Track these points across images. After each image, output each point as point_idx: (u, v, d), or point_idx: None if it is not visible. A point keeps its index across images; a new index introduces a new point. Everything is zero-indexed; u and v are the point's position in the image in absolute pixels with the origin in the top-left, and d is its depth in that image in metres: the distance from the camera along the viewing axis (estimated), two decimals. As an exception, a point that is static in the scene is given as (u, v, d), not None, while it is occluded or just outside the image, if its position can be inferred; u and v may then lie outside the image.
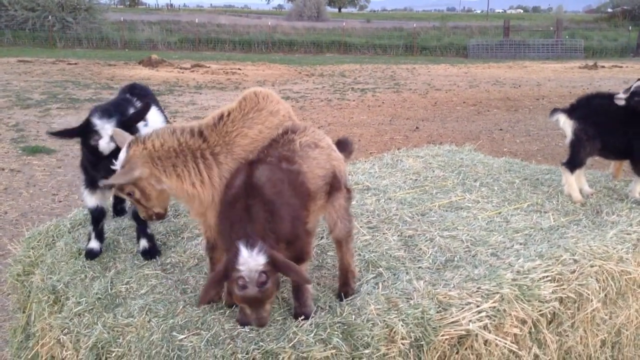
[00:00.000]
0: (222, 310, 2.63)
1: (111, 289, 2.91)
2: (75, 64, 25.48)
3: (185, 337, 2.45)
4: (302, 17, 61.00)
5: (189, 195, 2.57)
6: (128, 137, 2.68)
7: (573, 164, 4.11)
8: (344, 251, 2.78)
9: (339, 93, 18.76)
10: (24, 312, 3.48)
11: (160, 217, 2.75)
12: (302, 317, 2.51)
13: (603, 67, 27.85)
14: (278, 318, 2.57)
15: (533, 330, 2.84)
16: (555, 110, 4.24)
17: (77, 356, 2.67)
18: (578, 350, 3.13)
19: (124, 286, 2.92)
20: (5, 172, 9.06)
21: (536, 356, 2.88)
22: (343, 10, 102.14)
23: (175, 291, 2.84)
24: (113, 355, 2.52)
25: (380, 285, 2.75)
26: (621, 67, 28.18)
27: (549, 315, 2.89)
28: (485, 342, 2.60)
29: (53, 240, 3.60)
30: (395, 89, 20.03)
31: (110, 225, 3.65)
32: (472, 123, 13.79)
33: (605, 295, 3.16)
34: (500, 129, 13.06)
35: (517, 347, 2.69)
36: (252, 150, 2.64)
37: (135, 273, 3.04)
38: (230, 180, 2.48)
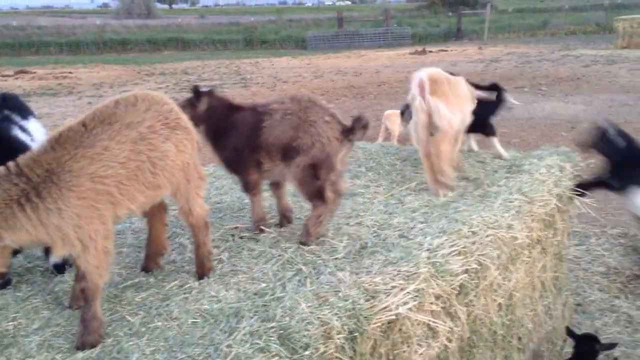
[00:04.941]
0: (139, 335, 2.37)
1: (-5, 329, 2.49)
2: None
3: (102, 371, 2.17)
4: (132, 15, 58.01)
5: (34, 242, 2.37)
6: None
7: None
8: None
9: (185, 92, 18.14)
10: None
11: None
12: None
13: (431, 51, 29.91)
14: (204, 329, 2.37)
15: (446, 304, 2.92)
16: None
17: (-37, 414, 2.26)
18: (482, 317, 3.28)
19: (10, 323, 2.51)
20: None
21: (450, 329, 2.97)
22: (174, 6, 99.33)
23: (75, 320, 2.49)
24: (13, 405, 2.16)
25: (307, 281, 2.64)
26: (447, 50, 30.48)
27: (457, 289, 2.99)
28: (412, 323, 2.62)
29: None
30: (243, 84, 19.87)
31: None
32: (324, 112, 14.04)
33: (500, 262, 3.34)
34: (352, 117, 13.45)
35: (441, 322, 2.75)
36: (96, 169, 2.35)
37: (21, 307, 2.63)
38: None
